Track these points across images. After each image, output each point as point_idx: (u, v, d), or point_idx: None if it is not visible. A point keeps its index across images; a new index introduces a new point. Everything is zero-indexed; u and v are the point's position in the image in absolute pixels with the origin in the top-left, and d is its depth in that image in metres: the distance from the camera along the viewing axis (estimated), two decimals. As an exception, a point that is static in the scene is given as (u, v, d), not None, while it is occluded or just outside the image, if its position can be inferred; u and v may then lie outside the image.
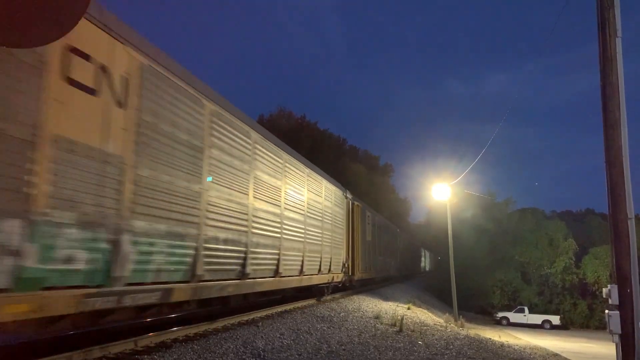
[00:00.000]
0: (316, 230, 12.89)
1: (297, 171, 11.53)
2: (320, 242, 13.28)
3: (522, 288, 42.74)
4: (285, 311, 11.45)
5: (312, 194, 12.68)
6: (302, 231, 11.57)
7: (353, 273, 17.79)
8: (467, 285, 41.52)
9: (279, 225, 9.94)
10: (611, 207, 7.25)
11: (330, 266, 14.26)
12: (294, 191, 11.18)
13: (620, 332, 6.96)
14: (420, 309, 21.38)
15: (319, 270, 13.00)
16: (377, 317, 13.19)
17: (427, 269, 67.72)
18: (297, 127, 48.08)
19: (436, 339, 11.27)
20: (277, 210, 9.88)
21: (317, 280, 13.00)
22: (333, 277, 14.72)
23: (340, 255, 15.93)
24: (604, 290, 7.40)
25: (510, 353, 13.08)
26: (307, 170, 12.48)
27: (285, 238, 10.24)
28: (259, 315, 10.18)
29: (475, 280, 43.58)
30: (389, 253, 29.62)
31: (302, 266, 11.38)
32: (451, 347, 10.49)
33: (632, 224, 7.10)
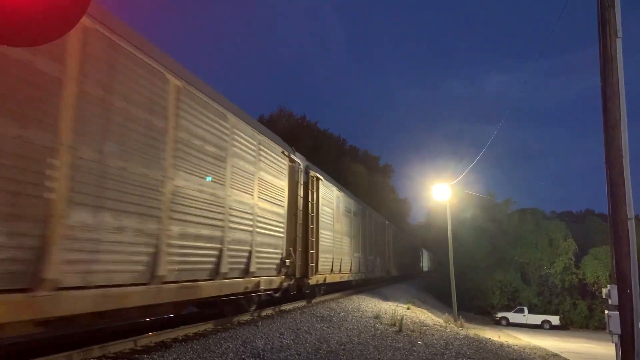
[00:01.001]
0: (212, 201, 7.37)
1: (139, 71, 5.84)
2: (222, 224, 7.69)
3: (521, 288, 42.77)
4: (285, 311, 11.47)
5: (200, 135, 7.12)
6: (157, 198, 6.04)
7: (307, 274, 12.27)
8: (466, 285, 41.57)
9: (63, 173, 4.63)
10: (611, 208, 7.25)
11: (249, 265, 8.60)
12: (135, 116, 5.77)
13: (619, 332, 6.97)
14: (420, 309, 21.39)
15: (217, 271, 7.50)
16: (376, 317, 13.19)
17: (426, 269, 67.71)
18: (297, 127, 48.13)
19: (436, 339, 11.27)
20: (46, 140, 4.48)
21: (213, 289, 7.45)
22: (259, 282, 9.18)
23: (277, 249, 10.16)
24: (604, 290, 7.40)
25: (509, 353, 13.08)
26: (179, 82, 6.68)
27: (87, 205, 4.90)
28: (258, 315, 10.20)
29: (475, 280, 43.64)
30: (374, 250, 23.99)
31: (154, 266, 5.94)
32: (451, 347, 10.49)
33: (632, 225, 7.10)
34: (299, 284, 11.90)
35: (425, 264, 66.42)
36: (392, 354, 8.58)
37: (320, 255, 13.42)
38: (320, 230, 13.56)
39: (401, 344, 9.72)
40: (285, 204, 10.85)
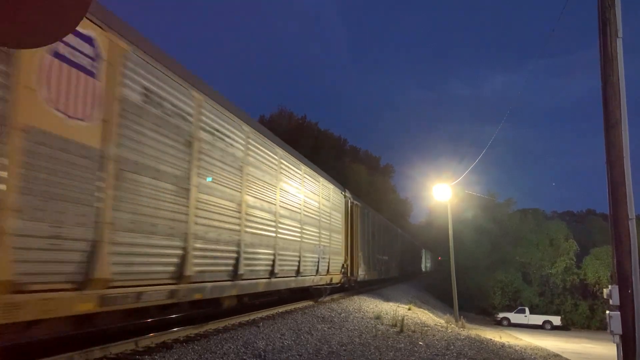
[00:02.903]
0: None
1: None
2: None
3: (522, 289, 42.73)
4: (286, 311, 11.46)
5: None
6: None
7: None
8: (467, 285, 41.53)
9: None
10: (612, 208, 7.24)
11: None
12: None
13: (621, 332, 6.95)
14: (421, 309, 21.36)
15: None
16: (377, 318, 13.18)
17: (427, 269, 67.62)
18: (298, 127, 48.13)
19: (437, 340, 11.26)
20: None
21: None
22: None
23: None
24: (605, 290, 7.38)
25: (511, 354, 13.06)
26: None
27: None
28: (259, 316, 10.19)
29: (476, 280, 43.60)
30: (322, 238, 13.74)
31: None
32: (452, 347, 10.48)
33: (632, 225, 7.09)
34: None
35: (425, 264, 66.32)
36: (393, 354, 8.58)
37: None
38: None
39: (402, 345, 9.71)
40: None
